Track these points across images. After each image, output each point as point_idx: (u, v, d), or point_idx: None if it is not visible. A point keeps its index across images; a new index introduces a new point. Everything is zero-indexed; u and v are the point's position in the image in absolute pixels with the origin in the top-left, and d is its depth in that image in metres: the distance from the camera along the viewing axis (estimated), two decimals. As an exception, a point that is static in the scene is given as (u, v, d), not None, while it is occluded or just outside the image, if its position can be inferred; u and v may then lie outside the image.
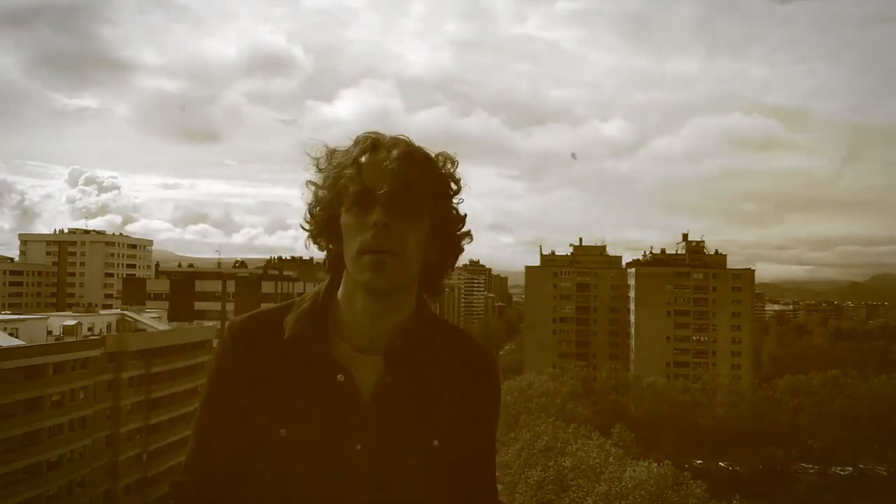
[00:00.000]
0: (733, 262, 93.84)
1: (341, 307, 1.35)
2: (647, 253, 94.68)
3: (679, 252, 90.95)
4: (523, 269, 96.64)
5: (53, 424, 36.80)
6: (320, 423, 1.27)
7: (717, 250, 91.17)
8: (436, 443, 1.31)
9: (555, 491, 32.83)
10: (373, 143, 1.29)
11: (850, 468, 63.05)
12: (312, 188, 1.35)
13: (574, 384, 60.09)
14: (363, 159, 1.28)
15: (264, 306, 1.46)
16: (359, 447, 1.26)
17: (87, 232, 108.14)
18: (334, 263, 1.37)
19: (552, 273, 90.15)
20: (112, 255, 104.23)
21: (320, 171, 1.34)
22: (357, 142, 1.31)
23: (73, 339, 42.06)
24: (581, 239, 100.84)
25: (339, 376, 1.29)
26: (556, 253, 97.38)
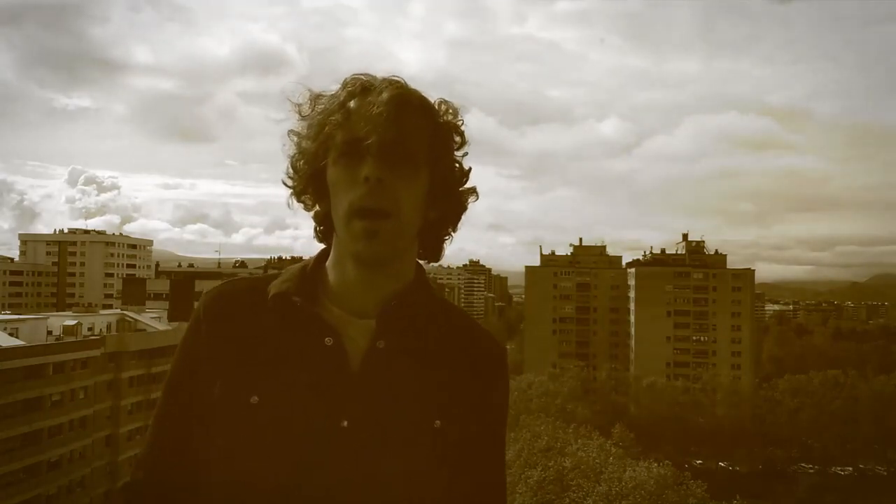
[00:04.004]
0: (733, 262, 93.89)
1: (332, 274, 1.19)
2: (647, 253, 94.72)
3: (679, 252, 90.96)
4: (523, 269, 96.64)
5: (53, 424, 36.81)
6: (300, 391, 1.08)
7: (716, 250, 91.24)
8: (438, 423, 1.12)
9: (555, 491, 32.83)
10: (362, 87, 1.13)
11: (850, 468, 63.05)
12: (295, 139, 1.19)
13: (574, 384, 60.14)
14: (351, 104, 1.12)
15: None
16: (345, 423, 1.07)
17: (87, 232, 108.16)
18: (323, 226, 1.22)
19: (552, 273, 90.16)
20: (112, 255, 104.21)
21: (303, 118, 1.18)
22: (345, 85, 1.15)
23: (73, 339, 42.04)
24: (581, 239, 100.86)
25: (326, 339, 1.12)
26: (556, 253, 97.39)
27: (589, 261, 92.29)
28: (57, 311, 63.87)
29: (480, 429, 1.19)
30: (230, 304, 1.18)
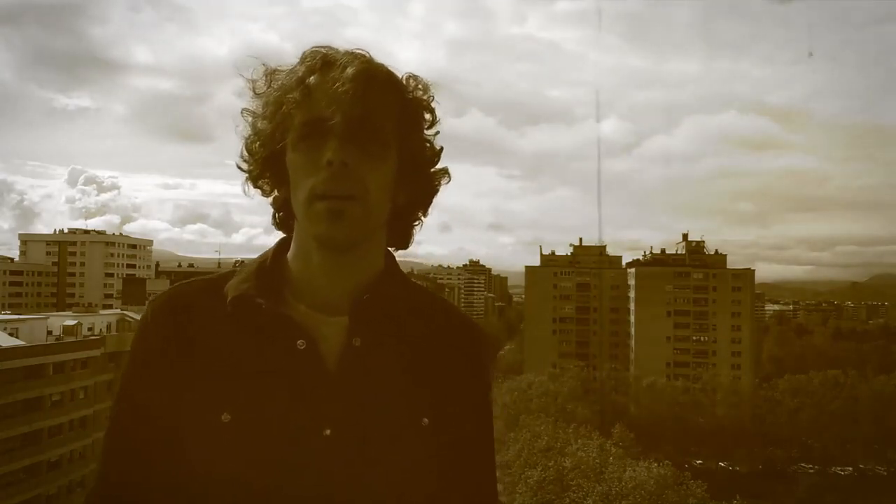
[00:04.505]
0: (733, 262, 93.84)
1: (295, 266, 1.08)
2: (647, 253, 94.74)
3: (679, 252, 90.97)
4: (523, 269, 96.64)
5: (53, 424, 36.80)
6: (275, 403, 0.98)
7: (716, 250, 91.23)
8: (426, 421, 1.04)
9: (555, 491, 32.83)
10: (323, 61, 1.03)
11: (850, 468, 63.03)
12: (249, 118, 1.09)
13: (574, 384, 60.14)
14: (311, 80, 1.01)
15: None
16: (328, 432, 0.98)
17: (86, 232, 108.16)
18: (282, 212, 1.12)
19: (552, 273, 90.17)
20: (112, 255, 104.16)
21: (258, 96, 1.07)
22: (303, 59, 1.05)
23: (73, 339, 42.07)
24: (581, 239, 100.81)
25: (298, 342, 1.01)
26: (556, 253, 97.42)
27: (589, 261, 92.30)
28: (57, 311, 63.85)
29: (469, 422, 1.12)
30: (184, 312, 1.05)
